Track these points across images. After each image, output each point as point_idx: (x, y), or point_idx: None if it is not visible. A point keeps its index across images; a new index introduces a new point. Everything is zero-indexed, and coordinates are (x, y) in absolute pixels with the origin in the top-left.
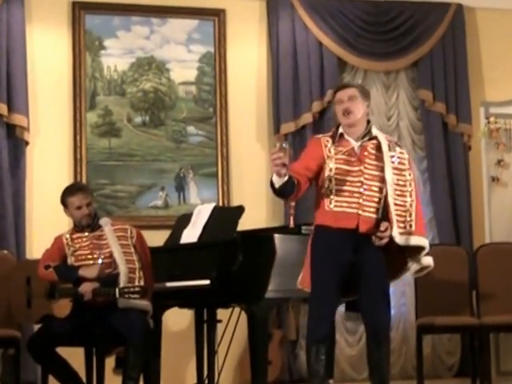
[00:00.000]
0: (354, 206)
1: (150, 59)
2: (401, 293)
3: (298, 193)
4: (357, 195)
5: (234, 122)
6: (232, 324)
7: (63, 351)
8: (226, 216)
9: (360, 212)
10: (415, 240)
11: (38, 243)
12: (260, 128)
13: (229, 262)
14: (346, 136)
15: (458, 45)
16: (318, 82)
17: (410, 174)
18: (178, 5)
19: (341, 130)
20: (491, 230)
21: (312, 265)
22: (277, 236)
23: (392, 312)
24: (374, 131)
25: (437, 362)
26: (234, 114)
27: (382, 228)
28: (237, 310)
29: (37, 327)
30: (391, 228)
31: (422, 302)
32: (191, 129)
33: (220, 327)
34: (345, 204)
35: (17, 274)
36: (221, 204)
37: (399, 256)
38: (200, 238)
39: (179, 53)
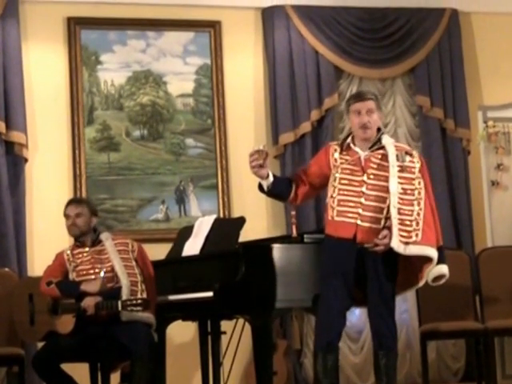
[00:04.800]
0: (353, 215)
1: (147, 73)
2: (403, 298)
3: (296, 196)
4: (357, 205)
5: (233, 133)
6: (236, 335)
7: (68, 368)
8: (227, 227)
9: (358, 222)
10: (416, 249)
11: (39, 260)
12: (259, 138)
13: (231, 274)
14: (353, 146)
15: (454, 50)
16: (316, 91)
17: (419, 183)
18: (174, 18)
19: (349, 139)
20: (492, 234)
21: (320, 274)
22: (276, 246)
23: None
24: (384, 140)
25: (442, 368)
26: (232, 125)
27: (380, 236)
28: (241, 321)
29: (40, 344)
30: (390, 237)
31: (425, 308)
32: (190, 141)
33: (224, 339)
34: (345, 214)
35: (19, 291)
36: (221, 215)
37: (417, 267)
38: (202, 250)
39: (176, 65)
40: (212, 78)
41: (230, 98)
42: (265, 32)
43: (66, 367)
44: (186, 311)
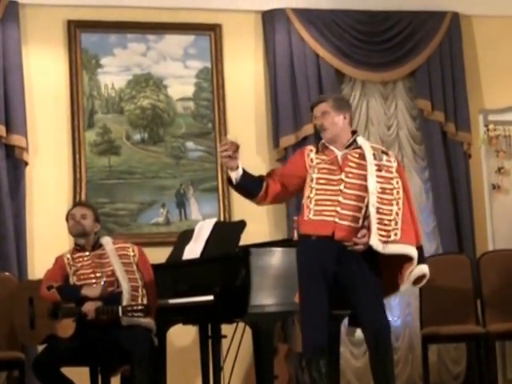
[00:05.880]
0: (331, 214)
1: (147, 76)
2: (406, 302)
3: (266, 195)
4: (335, 203)
5: (233, 137)
6: (237, 339)
7: (68, 371)
8: (227, 231)
9: (337, 220)
10: (395, 248)
11: (39, 264)
12: (260, 141)
13: (232, 277)
14: (329, 145)
15: (454, 53)
16: (317, 94)
17: (397, 182)
18: (174, 21)
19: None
20: (493, 238)
21: (298, 275)
22: (278, 249)
23: (398, 322)
24: (360, 141)
25: (443, 371)
26: (232, 129)
27: (359, 235)
28: (241, 324)
29: (41, 348)
30: (369, 236)
31: (427, 311)
32: (190, 144)
33: (225, 343)
34: (323, 212)
35: (19, 295)
36: (222, 219)
37: (397, 269)
38: (202, 253)
39: (176, 69)
40: (212, 81)
41: (230, 101)
42: (265, 35)
43: (67, 371)
44: (186, 315)
